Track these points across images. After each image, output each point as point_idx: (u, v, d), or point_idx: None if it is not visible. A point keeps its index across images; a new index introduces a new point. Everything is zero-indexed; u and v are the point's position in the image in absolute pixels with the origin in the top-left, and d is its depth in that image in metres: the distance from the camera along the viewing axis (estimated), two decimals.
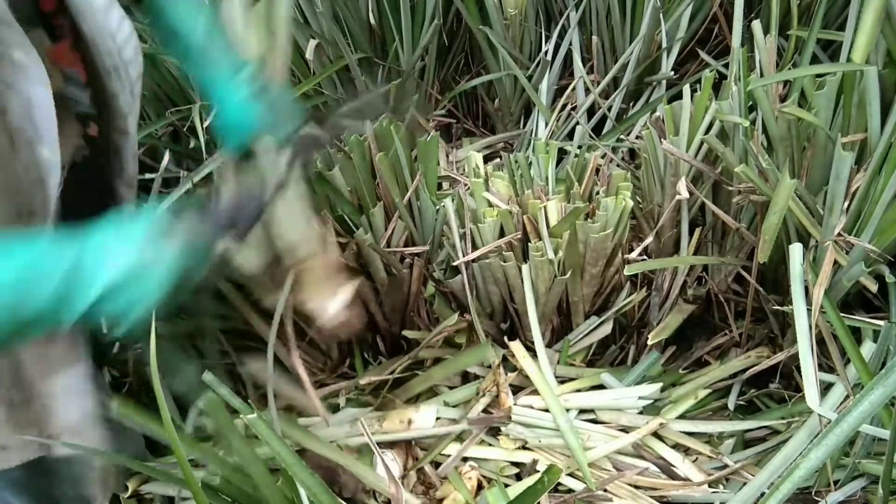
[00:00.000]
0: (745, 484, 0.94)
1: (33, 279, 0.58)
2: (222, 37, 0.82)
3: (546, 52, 1.63)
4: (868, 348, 0.95)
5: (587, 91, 1.60)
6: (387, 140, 1.18)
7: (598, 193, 1.13)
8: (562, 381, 1.12)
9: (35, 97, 0.66)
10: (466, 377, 1.18)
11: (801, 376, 0.88)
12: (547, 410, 1.04)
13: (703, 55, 1.62)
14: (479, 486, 1.01)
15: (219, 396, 0.79)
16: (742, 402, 1.15)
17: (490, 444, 1.07)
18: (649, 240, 1.15)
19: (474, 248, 1.14)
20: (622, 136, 1.51)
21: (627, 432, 1.03)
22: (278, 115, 0.82)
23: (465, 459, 1.04)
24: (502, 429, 1.06)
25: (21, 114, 0.65)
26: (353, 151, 1.16)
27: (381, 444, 1.04)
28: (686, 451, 1.04)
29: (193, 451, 0.77)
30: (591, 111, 1.60)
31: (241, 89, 0.80)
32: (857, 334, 1.00)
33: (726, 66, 1.41)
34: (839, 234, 0.97)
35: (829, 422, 0.71)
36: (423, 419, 1.07)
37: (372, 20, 1.60)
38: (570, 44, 1.64)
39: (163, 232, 0.64)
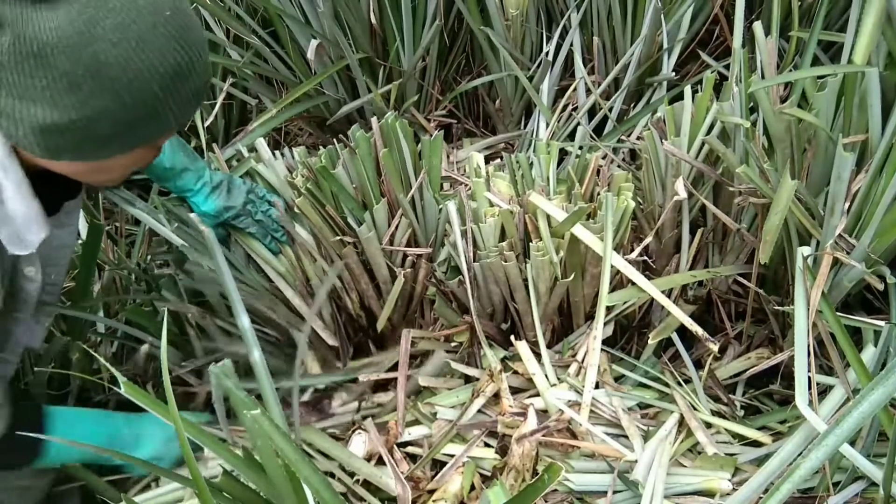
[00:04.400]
0: (743, 484, 0.94)
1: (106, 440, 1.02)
2: (184, 155, 1.13)
3: (547, 53, 1.63)
4: (870, 352, 0.95)
5: (588, 92, 1.60)
6: (391, 137, 1.18)
7: (598, 194, 1.13)
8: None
9: None
10: (468, 377, 1.18)
11: None
12: (545, 411, 1.04)
13: (704, 56, 1.62)
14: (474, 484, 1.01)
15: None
16: (742, 403, 1.15)
17: (488, 444, 1.07)
18: (648, 239, 1.15)
19: (475, 247, 1.14)
20: (623, 137, 1.51)
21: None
22: (234, 199, 1.18)
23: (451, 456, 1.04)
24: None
25: None
26: (359, 147, 1.16)
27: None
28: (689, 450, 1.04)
29: (201, 438, 0.76)
30: (591, 112, 1.60)
31: (205, 188, 1.16)
32: (857, 335, 1.00)
33: (727, 67, 1.41)
34: (840, 236, 0.97)
35: (823, 426, 0.71)
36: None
37: (373, 20, 1.60)
38: (571, 44, 1.65)
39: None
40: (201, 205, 1.16)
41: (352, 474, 1.02)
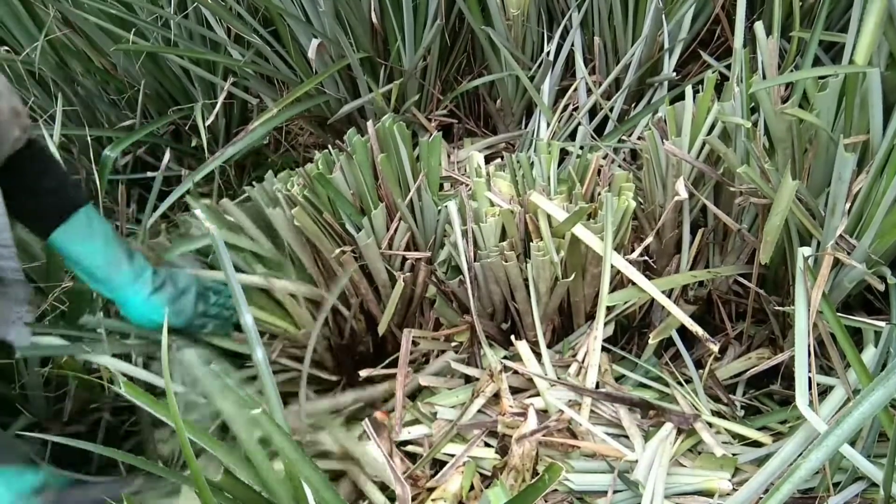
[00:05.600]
0: (743, 484, 0.94)
1: None
2: (120, 251, 0.97)
3: (548, 53, 1.63)
4: (870, 352, 0.95)
5: (589, 92, 1.60)
6: (388, 141, 1.18)
7: (599, 194, 1.13)
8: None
9: None
10: (468, 377, 1.18)
11: None
12: (545, 411, 1.04)
13: (705, 56, 1.62)
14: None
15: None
16: (743, 403, 1.15)
17: (488, 444, 1.07)
18: (649, 239, 1.15)
19: (476, 247, 1.14)
20: (624, 137, 1.51)
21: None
22: (182, 302, 1.02)
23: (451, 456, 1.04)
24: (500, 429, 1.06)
25: None
26: (356, 152, 1.16)
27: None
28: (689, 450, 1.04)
29: (198, 438, 0.76)
30: (592, 112, 1.60)
31: (144, 289, 0.98)
32: (858, 336, 1.00)
33: (728, 67, 1.41)
34: (840, 236, 0.97)
35: (824, 426, 0.71)
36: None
37: (374, 19, 1.60)
38: (573, 44, 1.64)
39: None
40: (141, 312, 0.99)
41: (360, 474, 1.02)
